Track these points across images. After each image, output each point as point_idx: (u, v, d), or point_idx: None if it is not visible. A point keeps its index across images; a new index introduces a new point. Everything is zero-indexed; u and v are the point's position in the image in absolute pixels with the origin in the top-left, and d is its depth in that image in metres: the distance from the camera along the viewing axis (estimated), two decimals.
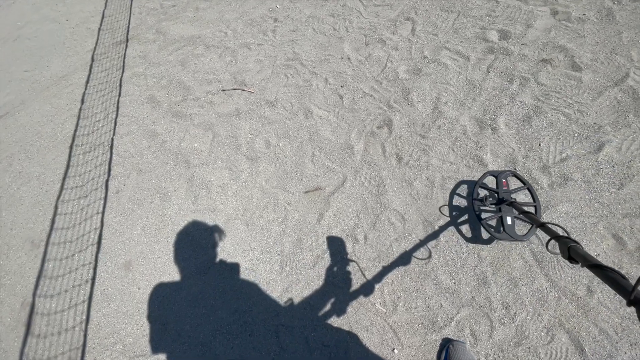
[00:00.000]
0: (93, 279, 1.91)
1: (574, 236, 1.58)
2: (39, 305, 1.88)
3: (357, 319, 1.58)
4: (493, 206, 1.65)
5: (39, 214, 2.24)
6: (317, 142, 2.20)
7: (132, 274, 1.90)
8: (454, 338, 1.46)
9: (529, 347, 1.40)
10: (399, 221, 1.80)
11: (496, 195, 1.66)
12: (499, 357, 1.41)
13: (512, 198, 1.60)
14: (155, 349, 1.65)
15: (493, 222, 1.65)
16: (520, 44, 2.31)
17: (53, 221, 2.18)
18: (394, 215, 1.82)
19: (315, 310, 1.63)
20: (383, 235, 1.78)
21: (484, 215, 1.65)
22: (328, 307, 1.63)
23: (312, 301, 1.66)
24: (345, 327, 1.57)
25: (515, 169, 1.82)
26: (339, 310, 1.61)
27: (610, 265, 1.48)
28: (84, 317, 1.79)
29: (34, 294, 1.92)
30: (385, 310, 1.58)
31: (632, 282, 0.63)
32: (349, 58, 2.61)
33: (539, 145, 1.87)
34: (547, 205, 1.68)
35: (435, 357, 1.46)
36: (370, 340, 1.53)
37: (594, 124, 1.88)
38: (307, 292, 1.69)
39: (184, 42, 3.15)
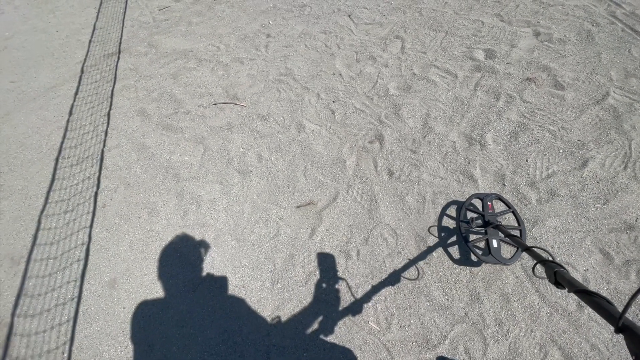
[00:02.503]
0: (79, 297, 1.83)
1: (563, 251, 1.60)
2: (17, 326, 1.78)
3: (350, 337, 1.55)
4: (480, 228, 1.66)
5: (20, 229, 2.16)
6: (309, 156, 2.20)
7: (117, 292, 1.83)
8: (448, 356, 1.45)
9: None
10: (391, 236, 1.80)
11: (482, 217, 1.68)
12: None
13: (497, 221, 1.61)
14: None
15: (482, 244, 1.66)
16: (506, 63, 2.40)
17: (35, 237, 2.10)
18: (387, 231, 1.82)
19: (308, 329, 1.59)
20: (376, 251, 1.77)
21: (471, 238, 1.66)
22: (320, 325, 1.59)
23: (304, 320, 1.62)
24: (339, 347, 1.53)
25: (504, 184, 1.85)
26: (332, 328, 1.57)
27: (598, 279, 1.51)
28: (67, 337, 1.71)
29: (13, 314, 1.82)
30: (378, 329, 1.55)
31: (619, 306, 0.62)
32: (340, 74, 2.65)
33: (526, 161, 1.92)
34: (535, 220, 1.71)
35: None
36: None
37: (578, 140, 1.94)
38: (298, 310, 1.65)
39: (176, 56, 3.16)
